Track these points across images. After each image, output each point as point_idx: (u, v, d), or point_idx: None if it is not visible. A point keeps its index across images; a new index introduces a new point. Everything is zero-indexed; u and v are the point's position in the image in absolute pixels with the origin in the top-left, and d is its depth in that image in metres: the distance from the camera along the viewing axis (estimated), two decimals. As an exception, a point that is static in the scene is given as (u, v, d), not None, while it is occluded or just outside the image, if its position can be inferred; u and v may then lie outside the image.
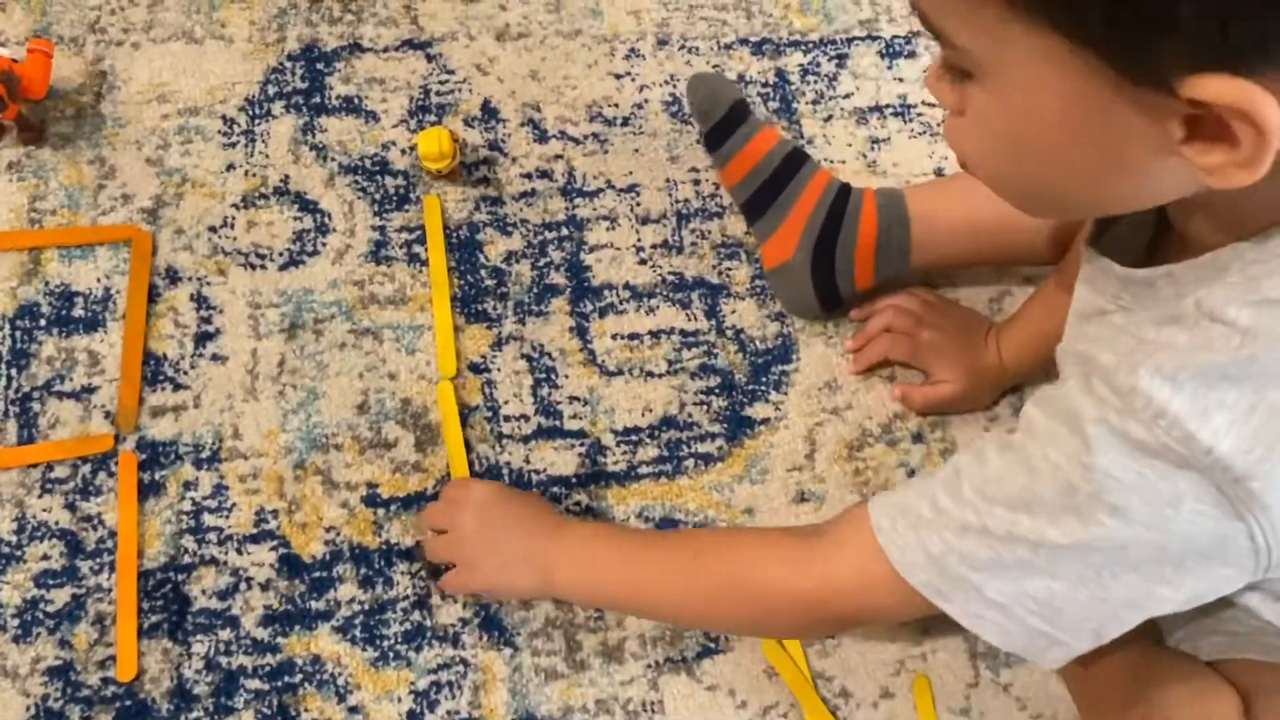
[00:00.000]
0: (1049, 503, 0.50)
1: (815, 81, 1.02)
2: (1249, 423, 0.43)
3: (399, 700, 0.78)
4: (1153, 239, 0.55)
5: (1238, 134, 0.38)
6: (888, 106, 1.02)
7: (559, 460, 0.86)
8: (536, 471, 0.85)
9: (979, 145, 0.47)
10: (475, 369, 0.88)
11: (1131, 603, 0.51)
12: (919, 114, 1.02)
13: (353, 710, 0.77)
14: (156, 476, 0.82)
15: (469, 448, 0.85)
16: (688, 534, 0.79)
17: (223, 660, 0.78)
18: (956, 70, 0.45)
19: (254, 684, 0.77)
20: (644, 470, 0.86)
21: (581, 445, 0.87)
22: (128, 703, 0.76)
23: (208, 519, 0.81)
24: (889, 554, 0.57)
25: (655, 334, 0.91)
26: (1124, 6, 0.36)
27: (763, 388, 0.90)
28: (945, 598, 0.55)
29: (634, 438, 0.87)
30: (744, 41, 1.03)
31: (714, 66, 1.01)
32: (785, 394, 0.90)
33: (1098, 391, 0.47)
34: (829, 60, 1.03)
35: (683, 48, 1.02)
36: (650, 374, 0.90)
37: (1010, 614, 0.54)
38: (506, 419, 0.87)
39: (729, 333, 0.92)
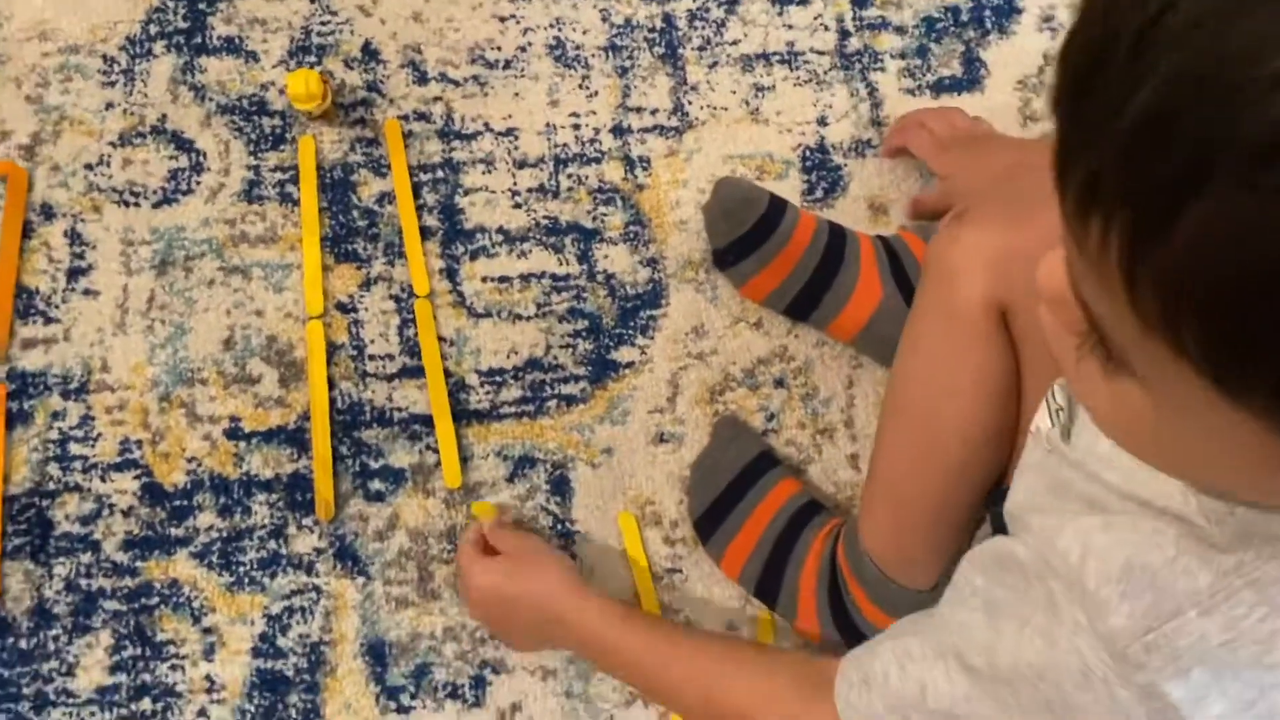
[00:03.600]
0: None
1: (703, 27, 1.02)
2: None
3: (252, 623, 0.82)
4: None
5: None
6: (775, 54, 1.02)
7: (421, 399, 0.88)
8: (399, 409, 0.88)
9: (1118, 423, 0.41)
10: (343, 308, 0.90)
11: None
12: (806, 61, 1.02)
13: (207, 631, 0.81)
14: (25, 406, 0.85)
15: (332, 385, 0.88)
16: (698, 665, 0.70)
17: (83, 582, 0.81)
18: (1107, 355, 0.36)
19: (112, 605, 0.81)
20: (506, 410, 0.89)
21: (446, 385, 0.89)
22: (-10, 620, 0.80)
23: (74, 448, 0.84)
24: None
25: (526, 277, 0.93)
26: None
27: (630, 331, 0.92)
28: None
29: (498, 379, 0.90)
30: (633, -15, 1.03)
31: (599, 10, 1.01)
32: (652, 338, 0.92)
33: None
34: (719, 6, 1.03)
35: (570, -9, 1.02)
36: (518, 316, 0.92)
37: None
38: (371, 358, 0.89)
39: (600, 277, 0.93)
